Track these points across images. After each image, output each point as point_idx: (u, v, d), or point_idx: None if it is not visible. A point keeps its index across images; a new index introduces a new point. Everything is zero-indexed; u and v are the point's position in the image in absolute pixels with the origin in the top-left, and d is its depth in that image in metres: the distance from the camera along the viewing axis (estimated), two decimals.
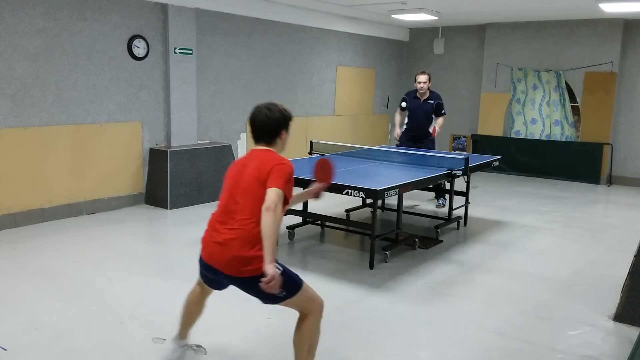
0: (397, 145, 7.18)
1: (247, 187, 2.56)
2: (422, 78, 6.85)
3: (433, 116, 6.99)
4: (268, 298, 2.55)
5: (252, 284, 2.50)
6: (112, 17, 6.24)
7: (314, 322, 2.68)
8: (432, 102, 6.92)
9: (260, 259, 2.43)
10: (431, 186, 6.51)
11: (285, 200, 2.53)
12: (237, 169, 2.68)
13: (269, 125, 2.66)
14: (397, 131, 7.22)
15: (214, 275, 2.65)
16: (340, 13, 9.10)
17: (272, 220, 2.38)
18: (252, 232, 2.49)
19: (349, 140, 9.45)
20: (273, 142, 2.71)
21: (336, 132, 9.66)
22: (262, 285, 2.37)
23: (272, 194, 2.44)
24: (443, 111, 6.99)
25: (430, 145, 7.10)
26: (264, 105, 2.71)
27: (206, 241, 2.64)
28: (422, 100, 6.93)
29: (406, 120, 7.15)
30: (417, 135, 7.05)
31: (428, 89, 6.90)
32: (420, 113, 6.94)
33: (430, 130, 6.99)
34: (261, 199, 2.47)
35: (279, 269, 2.46)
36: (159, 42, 6.75)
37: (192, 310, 2.93)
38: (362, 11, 8.85)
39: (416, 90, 6.95)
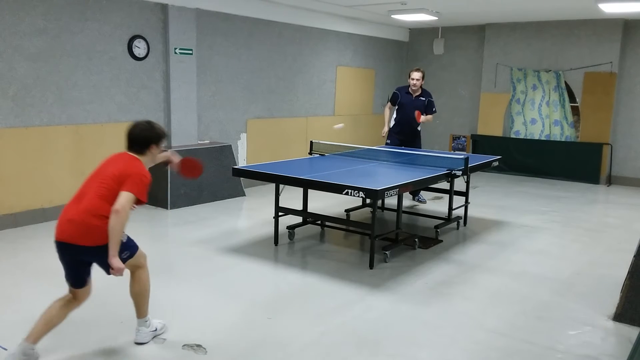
0: (386, 144, 7.17)
1: (104, 178, 2.92)
2: (416, 75, 6.89)
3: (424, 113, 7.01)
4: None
5: (101, 252, 2.85)
6: (112, 18, 6.25)
7: (146, 272, 3.19)
8: (424, 99, 6.96)
9: (105, 230, 2.81)
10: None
11: (138, 202, 2.93)
12: (104, 163, 3.06)
13: (138, 137, 3.06)
14: (386, 129, 7.23)
15: (71, 255, 2.92)
16: (340, 13, 9.10)
17: (118, 221, 2.81)
18: (98, 206, 2.85)
19: (348, 140, 9.45)
20: (143, 153, 3.07)
21: (336, 132, 9.65)
22: (112, 273, 2.89)
23: (123, 198, 2.83)
24: (434, 109, 7.06)
25: (418, 145, 7.13)
26: (142, 120, 3.15)
27: (58, 222, 2.93)
28: (414, 96, 6.96)
29: (394, 115, 7.16)
30: (405, 131, 7.05)
31: (421, 86, 6.92)
32: (412, 108, 6.94)
33: (418, 126, 6.97)
34: (112, 191, 2.86)
35: (124, 240, 2.97)
36: (159, 43, 6.75)
37: (53, 314, 2.96)
38: (362, 11, 8.86)
39: (408, 86, 6.98)
